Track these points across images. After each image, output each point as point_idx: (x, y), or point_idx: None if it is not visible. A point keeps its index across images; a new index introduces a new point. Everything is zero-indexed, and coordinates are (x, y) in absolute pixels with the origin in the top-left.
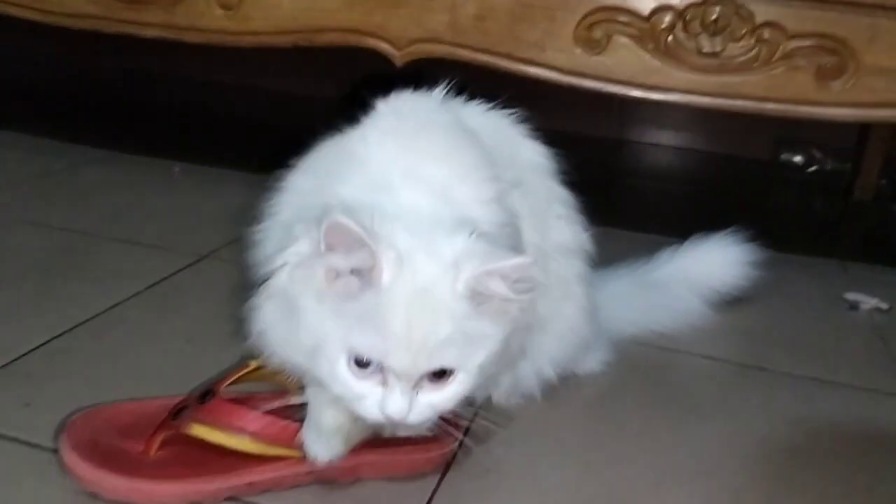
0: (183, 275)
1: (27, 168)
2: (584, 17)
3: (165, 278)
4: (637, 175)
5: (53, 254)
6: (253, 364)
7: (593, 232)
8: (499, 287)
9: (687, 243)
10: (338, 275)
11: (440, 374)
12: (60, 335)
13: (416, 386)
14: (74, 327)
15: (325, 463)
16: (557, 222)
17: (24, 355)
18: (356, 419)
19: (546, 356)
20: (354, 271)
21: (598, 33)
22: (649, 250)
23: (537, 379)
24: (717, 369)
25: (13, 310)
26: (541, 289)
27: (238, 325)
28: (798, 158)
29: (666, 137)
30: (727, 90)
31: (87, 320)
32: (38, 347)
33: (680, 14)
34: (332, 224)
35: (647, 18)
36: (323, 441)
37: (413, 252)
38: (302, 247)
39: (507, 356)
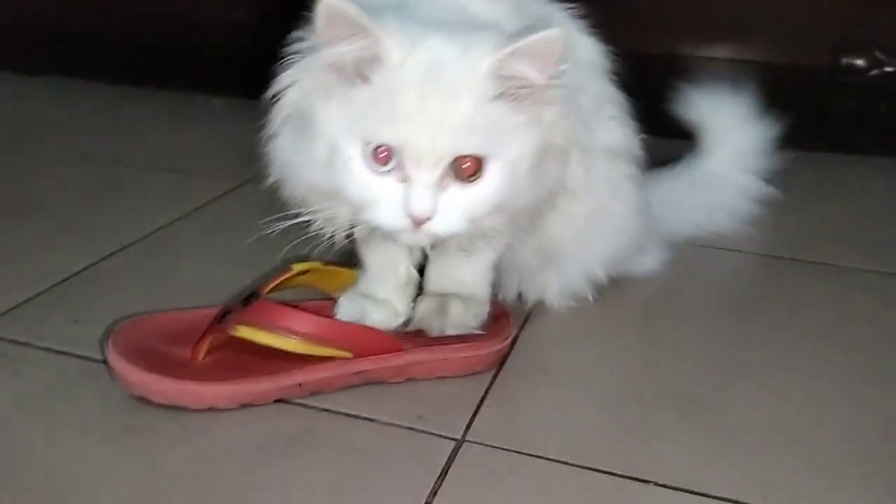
0: (227, 198)
1: (72, 108)
2: None
3: (209, 202)
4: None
5: (101, 184)
6: (296, 268)
7: (646, 140)
8: (527, 69)
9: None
10: (344, 69)
11: (468, 172)
12: (108, 256)
13: (442, 184)
14: (122, 248)
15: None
16: (609, 123)
17: (73, 275)
18: (390, 297)
19: (595, 256)
20: (360, 60)
21: None
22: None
23: (587, 280)
24: (780, 266)
25: (63, 235)
26: (587, 188)
27: (282, 238)
28: (860, 62)
29: (718, 50)
30: None
31: (135, 242)
32: (87, 268)
33: None
34: (327, 7)
35: None
36: (348, 302)
37: (428, 35)
38: (308, 60)
39: (543, 183)
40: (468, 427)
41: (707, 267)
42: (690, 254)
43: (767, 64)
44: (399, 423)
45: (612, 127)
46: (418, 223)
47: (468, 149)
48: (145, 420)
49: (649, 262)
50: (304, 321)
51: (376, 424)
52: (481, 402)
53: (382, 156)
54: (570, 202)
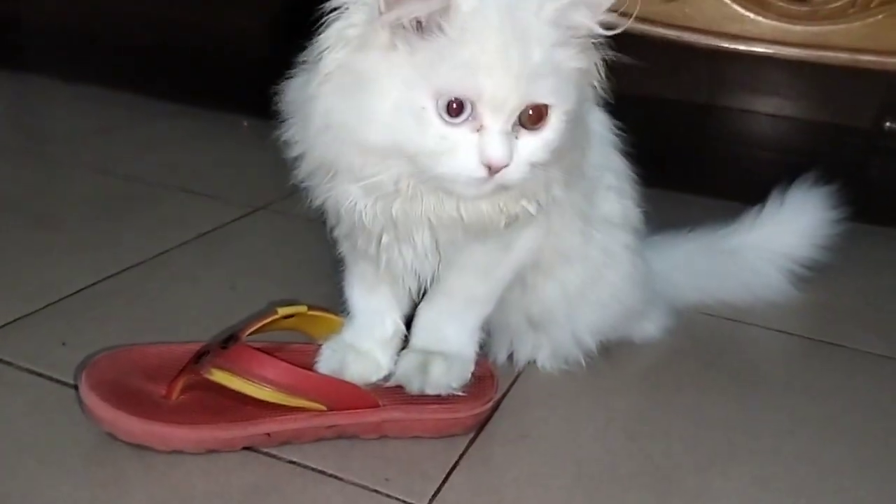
0: (235, 225)
1: (97, 119)
2: None
3: (217, 228)
4: (727, 142)
5: (113, 200)
6: (281, 312)
7: (677, 198)
8: (585, 18)
9: (766, 209)
10: (405, 26)
11: (534, 120)
12: (107, 278)
13: (514, 133)
14: (122, 271)
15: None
16: (607, 193)
17: (69, 295)
18: (373, 349)
19: (586, 324)
20: (430, 13)
21: None
22: (734, 218)
23: (577, 348)
24: (788, 344)
25: (67, 251)
26: (583, 256)
27: (286, 272)
28: None
29: (759, 104)
30: (818, 40)
31: (136, 265)
32: (83, 289)
33: None
34: None
35: None
36: (330, 352)
37: None
38: (355, 15)
39: (563, 149)
40: (435, 495)
41: (712, 338)
42: (697, 323)
43: (807, 122)
44: (365, 483)
45: (610, 197)
46: (494, 171)
47: (541, 98)
48: (111, 456)
49: (651, 327)
50: (280, 371)
51: (342, 483)
52: (453, 467)
53: (455, 107)
54: (565, 270)
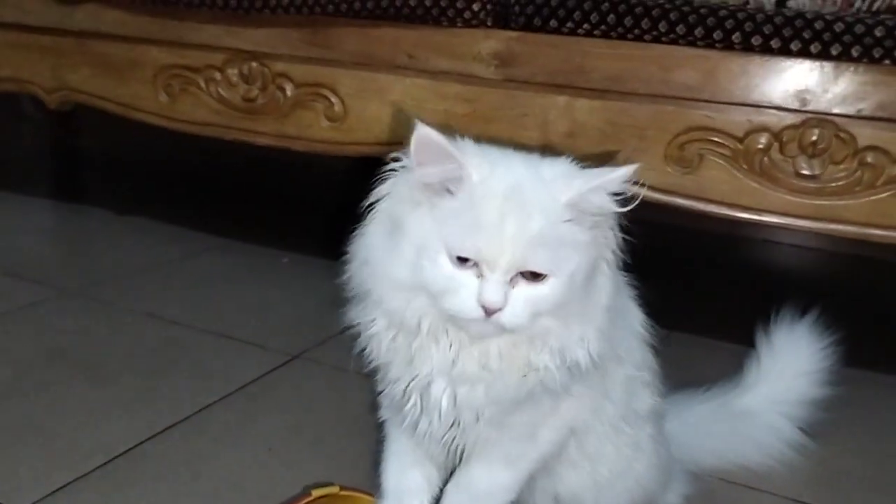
0: (273, 376)
1: (146, 254)
2: (676, 136)
3: (256, 379)
4: (750, 276)
5: (158, 347)
6: (314, 494)
7: (696, 342)
8: (602, 201)
9: (772, 358)
10: (432, 185)
11: (531, 278)
12: (151, 437)
13: (512, 282)
14: (166, 429)
15: None
16: (644, 390)
17: (116, 457)
18: None
19: None
20: (446, 179)
21: (689, 152)
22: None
23: None
24: None
25: (113, 408)
26: (615, 453)
27: (320, 429)
28: None
29: (784, 234)
30: (827, 214)
31: (177, 423)
32: (129, 450)
33: (776, 136)
34: (419, 136)
35: (742, 139)
36: None
37: (506, 159)
38: (400, 176)
39: (594, 290)
40: None
41: None
42: (715, 491)
43: (833, 253)
44: None
45: (645, 393)
46: (489, 313)
47: (535, 266)
48: None
49: (672, 498)
50: None
51: None
52: None
53: (460, 257)
54: (595, 465)
